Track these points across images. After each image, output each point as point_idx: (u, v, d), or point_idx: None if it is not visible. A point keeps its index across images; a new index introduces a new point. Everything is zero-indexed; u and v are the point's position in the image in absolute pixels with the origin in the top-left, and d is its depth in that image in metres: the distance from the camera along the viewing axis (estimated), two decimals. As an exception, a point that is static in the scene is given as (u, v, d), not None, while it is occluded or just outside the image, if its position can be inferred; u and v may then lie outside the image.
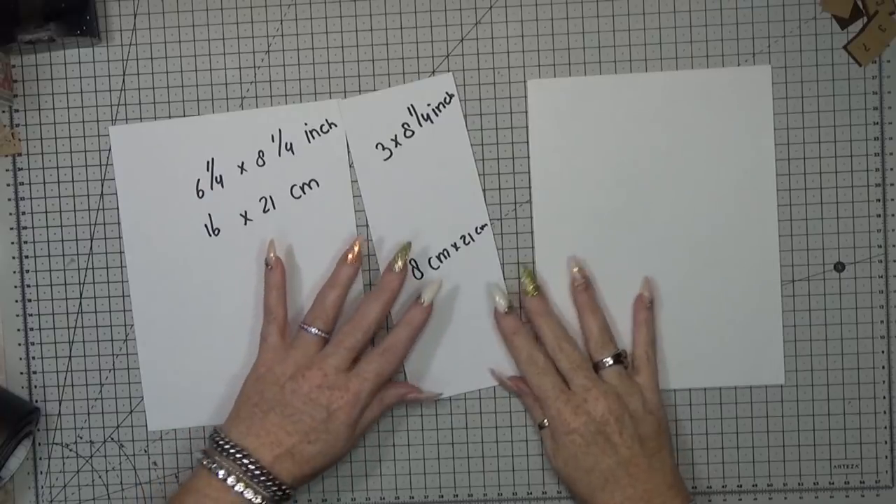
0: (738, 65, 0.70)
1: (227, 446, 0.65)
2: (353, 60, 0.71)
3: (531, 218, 0.71)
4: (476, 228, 0.71)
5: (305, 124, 0.71)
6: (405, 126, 0.71)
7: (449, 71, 0.71)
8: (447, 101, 0.71)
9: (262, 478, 0.64)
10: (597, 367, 0.68)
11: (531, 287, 0.69)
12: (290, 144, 0.71)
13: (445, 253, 0.71)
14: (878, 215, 0.70)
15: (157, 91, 0.72)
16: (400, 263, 0.68)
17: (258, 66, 0.71)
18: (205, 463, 0.65)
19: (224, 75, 0.71)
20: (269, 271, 0.69)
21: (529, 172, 0.71)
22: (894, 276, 0.71)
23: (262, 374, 0.67)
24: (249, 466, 0.64)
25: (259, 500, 0.64)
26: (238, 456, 0.65)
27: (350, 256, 0.69)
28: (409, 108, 0.71)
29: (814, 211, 0.70)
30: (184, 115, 0.72)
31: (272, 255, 0.69)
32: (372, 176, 0.71)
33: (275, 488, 0.64)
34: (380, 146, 0.71)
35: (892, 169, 0.70)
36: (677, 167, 0.70)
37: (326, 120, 0.71)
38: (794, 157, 0.70)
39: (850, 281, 0.71)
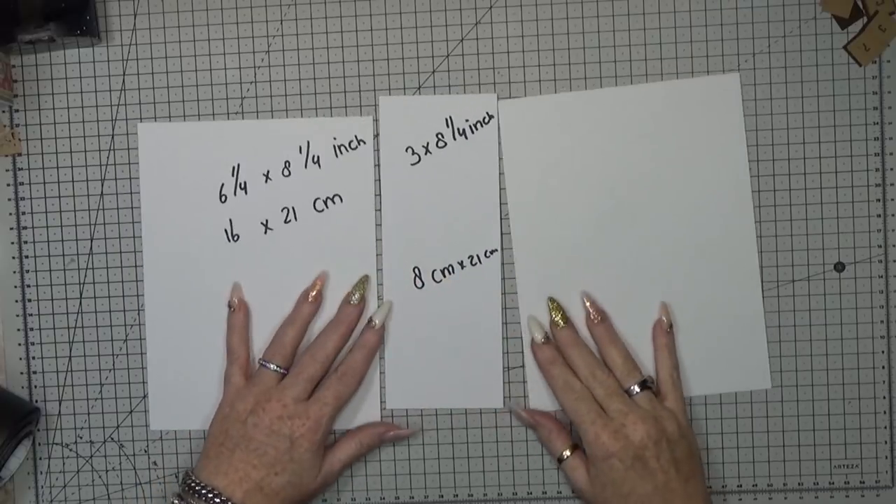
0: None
1: (197, 487, 0.66)
2: (353, 60, 0.71)
3: (507, 220, 0.71)
4: (486, 252, 0.71)
5: (334, 139, 0.71)
6: (439, 136, 0.70)
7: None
8: (486, 120, 0.70)
9: None
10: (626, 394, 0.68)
11: (560, 318, 0.69)
12: (318, 157, 0.71)
13: (451, 269, 0.71)
14: (878, 215, 0.70)
15: (158, 91, 0.72)
16: (357, 296, 0.69)
17: (258, 67, 0.71)
18: None
19: (224, 75, 0.71)
20: (232, 313, 0.70)
21: (505, 188, 0.70)
22: (894, 276, 0.71)
23: (226, 413, 0.68)
24: None
25: None
26: (210, 496, 0.65)
27: (311, 295, 0.70)
28: (446, 120, 0.70)
29: (814, 211, 0.70)
30: (184, 116, 0.72)
31: (235, 298, 0.70)
32: (395, 177, 0.71)
33: None
34: (409, 150, 0.71)
35: (892, 169, 0.70)
36: (658, 178, 0.70)
37: (356, 136, 0.71)
38: (794, 158, 0.70)
39: (850, 281, 0.71)
